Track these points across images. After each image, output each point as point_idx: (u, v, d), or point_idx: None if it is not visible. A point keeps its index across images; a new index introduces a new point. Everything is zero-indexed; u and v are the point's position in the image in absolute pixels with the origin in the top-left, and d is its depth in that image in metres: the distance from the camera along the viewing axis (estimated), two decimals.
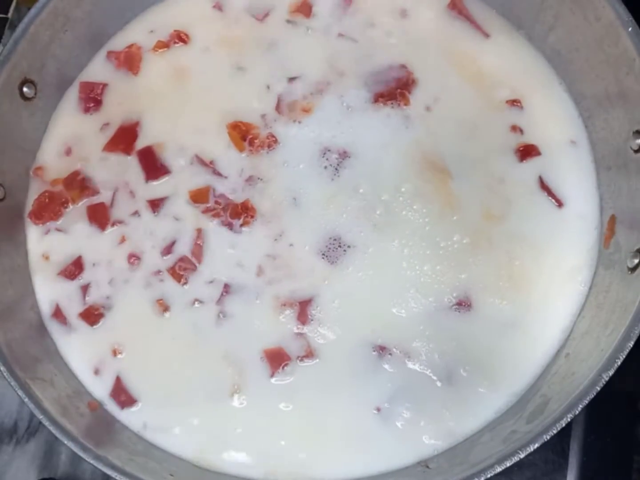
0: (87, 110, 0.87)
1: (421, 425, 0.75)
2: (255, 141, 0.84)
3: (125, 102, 0.87)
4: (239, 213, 0.81)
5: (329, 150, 0.83)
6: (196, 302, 0.80)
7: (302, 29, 0.88)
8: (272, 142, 0.84)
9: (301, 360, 0.77)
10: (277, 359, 0.77)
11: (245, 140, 0.84)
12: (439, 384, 0.76)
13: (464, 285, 0.79)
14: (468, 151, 0.83)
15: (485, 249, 0.79)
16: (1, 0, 1.09)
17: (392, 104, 0.84)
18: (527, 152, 0.82)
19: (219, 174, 0.83)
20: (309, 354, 0.77)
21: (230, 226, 0.81)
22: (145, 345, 0.79)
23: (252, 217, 0.81)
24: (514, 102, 0.84)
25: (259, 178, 0.83)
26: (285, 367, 0.77)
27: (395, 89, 0.84)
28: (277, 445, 0.76)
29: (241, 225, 0.81)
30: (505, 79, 0.86)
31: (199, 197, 0.82)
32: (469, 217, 0.80)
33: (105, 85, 0.88)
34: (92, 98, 0.87)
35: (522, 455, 0.65)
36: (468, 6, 0.88)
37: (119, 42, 0.90)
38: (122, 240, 0.82)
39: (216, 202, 0.82)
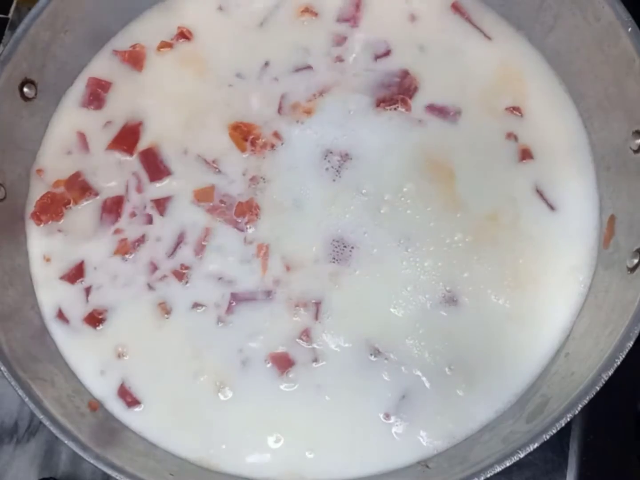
0: (89, 103, 0.87)
1: (419, 430, 0.75)
2: (257, 141, 0.84)
3: (128, 101, 0.87)
4: (244, 211, 0.81)
5: (330, 152, 0.83)
6: (199, 305, 0.79)
7: (306, 31, 0.88)
8: (274, 142, 0.84)
9: (306, 365, 0.77)
10: (282, 364, 0.77)
11: (247, 140, 0.84)
12: (427, 384, 0.76)
13: (465, 283, 0.79)
14: (470, 154, 0.83)
15: (487, 248, 0.80)
16: (1, 0, 1.09)
17: (393, 107, 0.84)
18: (527, 154, 0.82)
19: (222, 174, 0.83)
20: (314, 358, 0.77)
21: (235, 224, 0.82)
22: (148, 347, 0.79)
23: (256, 215, 0.81)
24: (515, 108, 0.84)
25: (262, 178, 0.83)
26: (290, 372, 0.77)
27: (397, 94, 0.85)
28: (277, 446, 0.76)
29: (246, 223, 0.81)
30: (507, 82, 0.85)
31: (203, 196, 0.82)
32: (472, 216, 0.80)
33: (110, 83, 0.88)
34: (97, 95, 0.87)
35: (521, 455, 0.65)
36: (469, 8, 0.88)
37: (122, 42, 0.90)
38: (125, 241, 0.82)
39: (221, 201, 0.82)
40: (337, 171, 0.82)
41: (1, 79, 0.77)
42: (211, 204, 0.82)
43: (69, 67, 0.87)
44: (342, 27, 0.88)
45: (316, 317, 0.78)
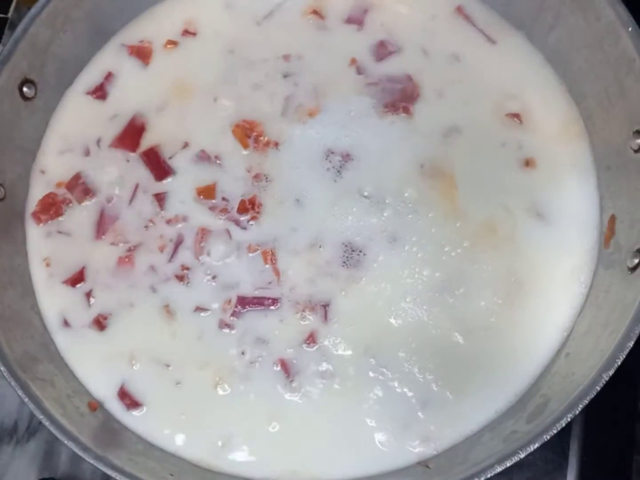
0: (93, 92, 0.87)
1: (411, 440, 0.75)
2: (260, 139, 0.84)
3: (131, 96, 0.87)
4: (246, 208, 0.81)
5: (332, 153, 0.83)
6: (204, 308, 0.79)
7: (312, 31, 0.88)
8: (277, 140, 0.83)
9: (311, 369, 0.77)
10: (288, 368, 0.77)
11: (249, 137, 0.84)
12: (413, 400, 0.76)
13: (463, 287, 0.78)
14: (471, 160, 0.82)
15: (487, 249, 0.79)
16: (1, 0, 1.09)
17: (396, 113, 0.84)
18: (529, 162, 0.82)
19: (225, 171, 0.83)
20: (319, 363, 0.77)
21: (237, 223, 0.81)
22: (151, 349, 0.79)
23: (258, 212, 0.81)
24: (516, 115, 0.84)
25: (265, 176, 0.82)
26: (295, 376, 0.77)
27: (399, 101, 0.84)
28: (278, 445, 0.76)
29: (249, 221, 0.81)
30: (510, 87, 0.85)
31: (205, 193, 0.82)
32: (472, 224, 0.80)
33: (113, 75, 0.88)
34: (101, 86, 0.87)
35: (522, 455, 0.65)
36: (472, 10, 0.88)
37: (129, 37, 0.90)
38: (126, 243, 0.82)
39: (223, 199, 0.82)
40: (338, 171, 0.82)
41: (1, 78, 0.77)
42: (214, 201, 0.82)
43: (69, 66, 0.87)
44: (348, 29, 0.88)
45: (325, 318, 0.78)
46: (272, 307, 0.78)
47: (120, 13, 0.89)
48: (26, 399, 0.70)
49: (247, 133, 0.84)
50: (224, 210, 0.82)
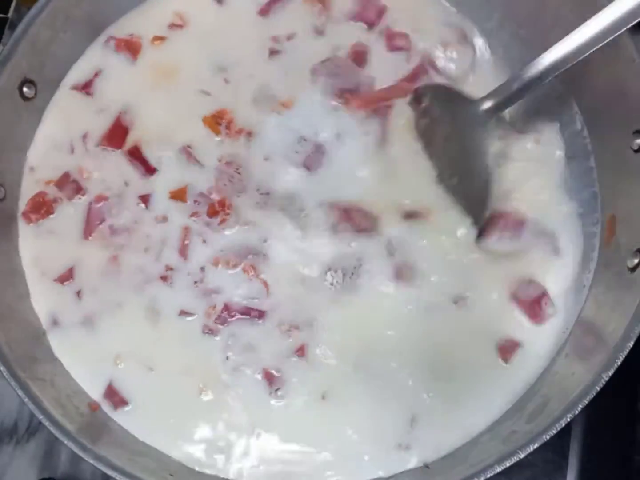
0: (82, 88, 0.86)
1: (406, 447, 0.75)
2: (232, 125, 0.83)
3: (118, 92, 0.86)
4: (216, 211, 0.80)
5: (304, 140, 0.82)
6: (188, 312, 0.78)
7: (309, 30, 0.88)
8: (249, 130, 0.83)
9: (296, 376, 0.76)
10: (272, 376, 0.76)
11: (219, 124, 0.83)
12: (407, 409, 0.75)
13: (465, 290, 0.78)
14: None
15: (487, 257, 0.79)
16: (1, 0, 1.09)
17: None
18: None
19: (200, 165, 0.82)
20: (305, 371, 0.76)
21: (209, 225, 0.80)
22: (139, 350, 0.78)
23: (228, 214, 0.80)
24: None
25: (237, 169, 0.82)
26: (280, 386, 0.76)
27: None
28: (274, 448, 0.75)
29: (219, 224, 0.80)
30: None
31: (178, 196, 0.81)
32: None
33: (101, 71, 0.87)
34: (90, 85, 0.87)
35: (522, 455, 0.65)
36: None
37: (119, 31, 0.89)
38: (113, 242, 0.81)
39: (195, 202, 0.81)
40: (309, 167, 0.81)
41: (1, 78, 0.77)
42: (186, 204, 0.81)
43: (69, 66, 0.87)
44: (345, 24, 0.88)
45: (315, 326, 0.77)
46: (259, 321, 0.78)
47: (120, 13, 0.89)
48: (26, 399, 0.70)
49: (217, 120, 0.83)
50: (196, 214, 0.81)
